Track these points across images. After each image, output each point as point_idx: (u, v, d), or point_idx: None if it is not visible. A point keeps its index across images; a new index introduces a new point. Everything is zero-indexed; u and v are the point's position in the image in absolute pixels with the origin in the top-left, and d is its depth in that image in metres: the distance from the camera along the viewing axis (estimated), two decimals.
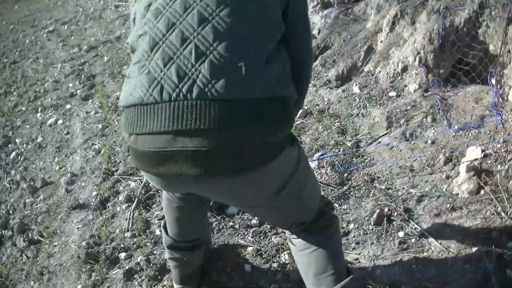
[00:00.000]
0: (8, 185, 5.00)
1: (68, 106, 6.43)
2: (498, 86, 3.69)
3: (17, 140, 6.00)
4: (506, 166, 3.15)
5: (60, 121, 6.07)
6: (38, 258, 3.80)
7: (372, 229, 3.18)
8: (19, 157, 5.57)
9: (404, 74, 4.38)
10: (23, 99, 7.27)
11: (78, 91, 6.78)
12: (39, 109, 6.68)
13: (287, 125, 1.90)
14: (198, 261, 2.87)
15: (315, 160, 3.91)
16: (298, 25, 2.02)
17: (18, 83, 8.04)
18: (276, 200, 2.04)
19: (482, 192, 3.09)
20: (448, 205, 3.11)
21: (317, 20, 5.85)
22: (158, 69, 1.80)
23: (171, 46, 1.81)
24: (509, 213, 2.84)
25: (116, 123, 5.39)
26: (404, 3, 4.67)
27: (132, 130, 1.85)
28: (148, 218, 3.74)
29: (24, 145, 5.82)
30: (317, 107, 4.55)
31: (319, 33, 5.70)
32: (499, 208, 2.89)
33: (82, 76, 7.30)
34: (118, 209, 3.99)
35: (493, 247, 2.70)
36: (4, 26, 12.46)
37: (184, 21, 1.81)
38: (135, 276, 3.26)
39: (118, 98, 5.91)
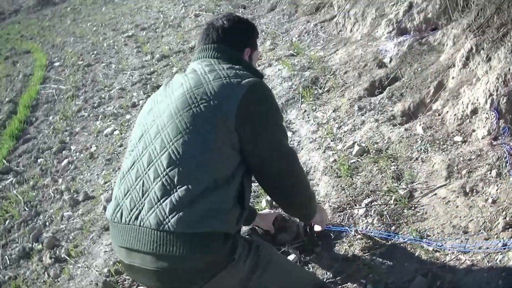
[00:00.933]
0: (52, 194, 5.18)
1: (127, 116, 6.40)
2: None
3: (72, 147, 6.10)
4: None
5: (116, 132, 6.08)
6: (59, 279, 3.87)
7: None
8: (70, 165, 5.66)
9: (473, 117, 3.93)
10: (87, 105, 7.39)
11: (140, 102, 6.76)
12: (100, 116, 6.74)
13: (209, 255, 2.17)
14: None
15: (362, 207, 3.54)
16: (263, 162, 2.39)
17: (87, 87, 8.22)
18: None
19: None
20: (501, 282, 2.67)
21: (390, 47, 5.45)
22: (120, 197, 2.34)
23: (130, 180, 2.32)
24: None
25: None
26: (481, 37, 4.21)
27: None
28: None
29: (77, 154, 5.92)
30: (375, 146, 4.18)
31: (390, 61, 5.31)
32: None
33: (148, 86, 7.29)
34: None
35: None
36: (88, 28, 12.81)
37: (141, 163, 2.32)
38: None
39: None
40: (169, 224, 2.12)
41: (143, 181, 2.25)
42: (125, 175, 2.37)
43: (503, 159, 3.45)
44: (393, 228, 3.35)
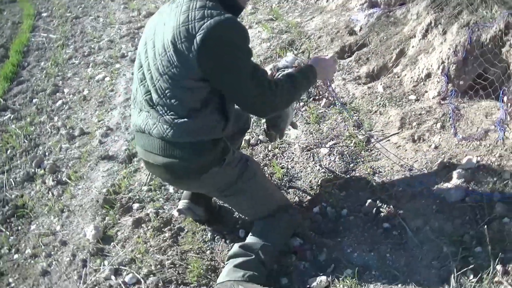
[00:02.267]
0: (49, 130, 5.48)
1: (117, 66, 6.83)
2: (508, 104, 3.87)
3: (65, 90, 6.46)
4: (495, 179, 3.36)
5: (107, 78, 6.49)
6: (62, 197, 4.25)
7: (361, 216, 3.44)
8: (64, 105, 6.03)
9: (427, 80, 4.58)
10: (77, 53, 7.74)
11: (129, 53, 7.17)
12: (91, 64, 7.12)
13: (200, 158, 2.87)
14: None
15: (327, 148, 4.17)
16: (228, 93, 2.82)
17: (76, 38, 8.51)
18: (224, 197, 3.27)
19: (467, 199, 3.30)
20: (435, 207, 3.34)
21: (361, 18, 6.07)
22: (135, 113, 3.06)
23: (138, 104, 3.05)
24: (485, 221, 3.05)
25: None
26: (440, 13, 4.85)
27: None
28: None
29: (71, 96, 6.28)
30: (341, 99, 4.79)
31: (360, 30, 5.92)
32: (478, 216, 3.10)
33: (136, 39, 7.70)
34: (142, 165, 4.34)
35: (460, 249, 2.93)
36: None
37: (141, 92, 2.96)
38: (142, 225, 3.66)
39: None
40: (168, 136, 2.79)
41: (145, 105, 2.90)
42: (135, 98, 3.04)
43: (448, 115, 4.11)
44: (351, 165, 3.99)
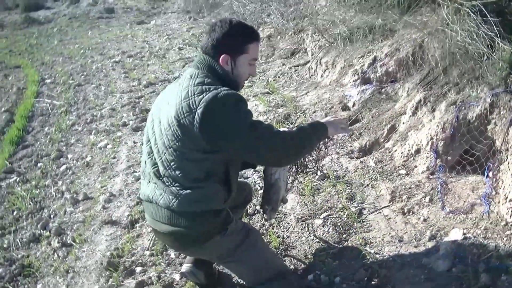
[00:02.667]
0: (54, 193, 5.71)
1: (119, 134, 7.08)
2: (494, 179, 4.09)
3: (69, 156, 6.70)
4: (480, 250, 3.54)
5: (109, 146, 6.74)
6: (67, 259, 4.44)
7: (353, 284, 3.60)
8: (68, 171, 6.25)
9: (416, 155, 4.81)
10: (80, 120, 8.02)
11: (130, 122, 7.44)
12: (93, 131, 7.39)
13: (202, 227, 3.07)
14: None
15: (321, 219, 4.36)
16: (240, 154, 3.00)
17: (79, 105, 8.83)
18: (225, 263, 3.45)
19: (453, 269, 3.48)
20: (423, 276, 3.51)
21: (354, 93, 6.36)
22: (144, 184, 3.27)
23: (146, 175, 3.26)
24: None
25: None
26: (429, 91, 5.13)
27: None
28: None
29: (74, 161, 6.51)
30: (334, 173, 5.01)
31: (353, 105, 6.20)
32: (464, 286, 3.26)
33: (137, 108, 7.98)
34: (144, 230, 4.59)
35: None
36: (76, 50, 13.40)
37: (149, 164, 3.20)
38: None
39: None
40: (173, 206, 2.99)
41: (153, 176, 3.11)
42: (144, 170, 3.25)
43: (436, 189, 4.33)
44: (344, 236, 4.16)
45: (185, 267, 3.70)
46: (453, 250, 3.62)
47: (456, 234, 3.78)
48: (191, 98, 2.83)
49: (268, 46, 9.86)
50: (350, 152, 5.38)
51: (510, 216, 3.82)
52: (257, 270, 3.38)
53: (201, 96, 2.81)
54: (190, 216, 3.01)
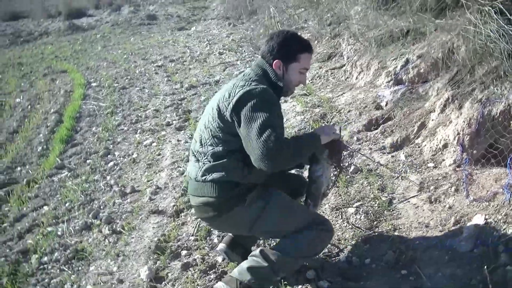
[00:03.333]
0: (103, 187, 6.12)
1: (163, 133, 7.51)
2: None
3: (116, 153, 7.15)
4: (500, 233, 3.85)
5: (154, 144, 7.16)
6: (117, 244, 4.83)
7: (382, 265, 3.93)
8: (116, 166, 6.69)
9: (444, 150, 5.12)
10: (126, 121, 8.48)
11: (174, 122, 7.86)
12: (138, 131, 7.83)
13: (222, 195, 3.44)
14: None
15: (354, 207, 4.69)
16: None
17: (124, 106, 9.29)
18: (257, 233, 3.79)
19: (475, 250, 3.79)
20: (447, 257, 3.83)
21: (387, 94, 6.68)
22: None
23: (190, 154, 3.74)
24: (490, 268, 3.51)
25: None
26: (457, 90, 5.43)
27: None
28: (211, 229, 4.71)
29: (121, 158, 6.95)
30: (367, 167, 5.34)
31: (386, 105, 6.52)
32: (484, 264, 3.56)
33: (180, 109, 8.40)
34: (189, 219, 4.99)
35: None
36: (119, 55, 13.88)
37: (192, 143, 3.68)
38: (190, 269, 4.21)
39: None
40: (198, 177, 3.48)
41: (192, 154, 3.63)
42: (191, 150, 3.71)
43: (462, 180, 4.63)
44: (375, 223, 4.49)
45: (220, 246, 4.13)
46: (475, 233, 3.93)
47: (478, 219, 4.09)
48: (234, 88, 3.31)
49: None
50: (382, 147, 5.70)
51: None
52: (283, 227, 3.59)
53: (242, 88, 3.28)
54: (210, 185, 3.43)
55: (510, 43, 4.94)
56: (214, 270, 4.17)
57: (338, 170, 4.01)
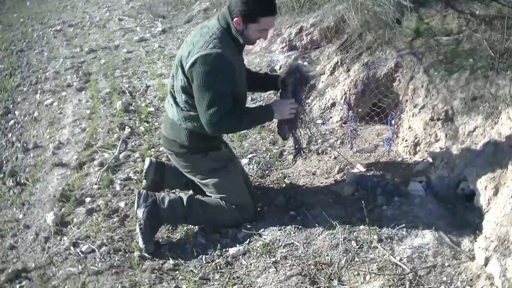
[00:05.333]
0: (4, 144, 6.08)
1: (64, 93, 7.46)
2: (395, 126, 4.79)
3: (16, 112, 7.07)
4: (379, 179, 4.25)
5: (55, 103, 7.13)
6: (22, 195, 4.91)
7: (273, 207, 4.24)
8: (17, 125, 6.64)
9: (332, 108, 5.50)
10: (25, 82, 8.33)
11: (74, 83, 7.81)
12: (39, 91, 7.74)
13: (183, 141, 3.82)
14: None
15: (247, 158, 4.98)
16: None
17: (23, 68, 9.09)
18: (201, 181, 4.01)
19: (356, 193, 4.17)
20: (331, 200, 4.19)
21: (281, 58, 7.01)
22: None
23: None
24: (368, 208, 3.88)
25: (102, 111, 6.49)
26: (345, 55, 5.82)
27: None
28: (113, 178, 4.90)
29: (22, 117, 6.89)
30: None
31: (280, 68, 6.83)
32: (363, 204, 3.91)
33: (80, 72, 8.35)
34: (92, 170, 5.12)
35: (347, 226, 3.77)
36: (15, 19, 13.42)
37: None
38: (94, 214, 4.39)
39: (107, 93, 7.10)
40: (175, 118, 3.78)
41: (169, 93, 3.87)
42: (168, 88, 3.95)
43: (347, 134, 5.01)
44: (266, 172, 4.80)
45: (151, 159, 4.43)
46: (357, 179, 4.31)
47: (360, 167, 4.49)
48: (194, 47, 3.47)
49: (204, 18, 10.29)
50: None
51: (406, 153, 4.57)
52: (221, 193, 4.00)
53: (200, 50, 3.42)
54: (184, 131, 3.77)
55: (397, 11, 5.37)
56: (117, 214, 4.37)
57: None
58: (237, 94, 3.61)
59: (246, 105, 4.03)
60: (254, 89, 4.32)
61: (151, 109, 6.48)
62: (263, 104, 4.27)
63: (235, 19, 3.45)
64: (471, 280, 3.18)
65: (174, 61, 3.73)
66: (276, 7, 3.51)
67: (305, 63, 4.25)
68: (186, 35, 9.02)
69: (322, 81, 5.92)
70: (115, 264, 3.75)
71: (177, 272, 3.68)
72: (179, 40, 9.40)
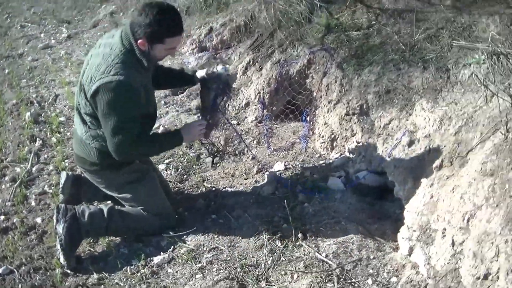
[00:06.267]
0: None
1: None
2: (311, 122, 4.80)
3: None
4: (298, 177, 4.24)
5: None
6: None
7: (194, 212, 4.15)
8: None
9: (246, 108, 5.46)
10: None
11: None
12: None
13: (92, 159, 3.66)
14: None
15: (164, 164, 4.86)
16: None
17: None
18: (119, 195, 3.88)
19: (276, 192, 4.14)
20: (251, 200, 4.14)
21: (192, 60, 6.90)
22: None
23: None
24: (290, 206, 3.86)
25: (10, 123, 6.18)
26: (257, 53, 5.80)
27: None
28: (28, 194, 4.65)
29: None
30: (174, 127, 5.52)
31: (190, 66, 6.74)
32: (285, 203, 3.89)
33: None
34: (3, 187, 4.82)
35: (271, 226, 3.74)
36: None
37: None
38: (9, 232, 4.15)
39: (14, 104, 6.75)
40: (83, 136, 3.63)
41: (76, 109, 3.66)
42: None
43: (263, 134, 4.99)
44: (185, 176, 4.70)
45: (67, 173, 4.22)
46: (276, 178, 4.29)
47: (278, 166, 4.47)
48: (96, 71, 3.30)
49: (110, 22, 10.08)
50: (188, 110, 5.92)
51: (323, 149, 4.59)
52: (144, 206, 3.89)
53: (101, 75, 3.26)
54: (94, 150, 3.61)
55: (307, 6, 5.39)
56: (34, 230, 4.12)
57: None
58: (145, 114, 3.51)
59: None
60: (170, 86, 4.46)
61: (62, 118, 6.21)
62: (172, 130, 4.16)
63: (140, 40, 3.29)
64: (396, 270, 3.22)
65: (79, 78, 3.57)
66: (182, 25, 3.38)
67: (227, 66, 4.18)
68: (93, 41, 8.90)
69: (235, 82, 5.86)
70: (36, 283, 3.55)
71: (102, 286, 3.53)
72: (86, 46, 9.14)
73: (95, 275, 3.59)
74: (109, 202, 4.15)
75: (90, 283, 3.54)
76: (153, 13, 3.19)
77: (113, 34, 3.50)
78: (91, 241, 3.97)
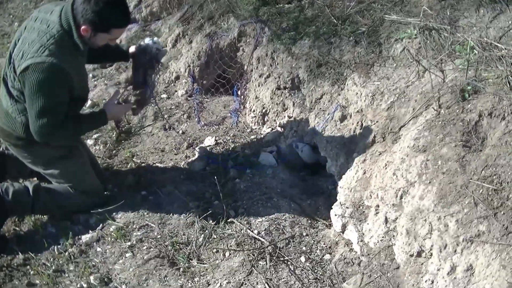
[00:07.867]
0: None
1: None
2: (242, 96, 4.75)
3: None
4: (229, 152, 4.20)
5: None
6: None
7: (124, 188, 4.06)
8: None
9: (176, 82, 5.36)
10: None
11: None
12: None
13: (19, 133, 3.47)
14: None
15: (92, 139, 4.73)
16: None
17: None
18: (46, 171, 3.72)
19: (207, 168, 4.10)
20: (182, 176, 4.08)
21: None
22: None
23: None
24: (221, 183, 3.81)
25: None
26: (187, 26, 5.68)
27: None
28: None
29: None
30: (103, 101, 5.37)
31: (120, 42, 6.55)
32: (216, 179, 3.83)
33: None
34: None
35: (201, 203, 3.69)
36: None
37: None
38: None
39: None
40: (9, 109, 3.44)
41: (2, 81, 3.50)
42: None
43: (193, 108, 4.90)
44: (114, 152, 4.59)
45: None
46: (206, 153, 4.24)
47: (209, 141, 4.42)
48: (29, 48, 3.16)
49: None
50: (118, 83, 5.75)
51: (254, 124, 4.56)
52: (71, 183, 3.75)
53: (33, 54, 3.13)
54: (20, 124, 3.42)
55: None
56: None
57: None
58: (75, 98, 3.43)
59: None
60: (104, 61, 4.55)
61: None
62: (96, 111, 4.01)
63: (83, 27, 3.15)
64: (330, 247, 3.24)
65: (9, 48, 3.40)
66: (130, 16, 3.40)
67: (155, 38, 4.04)
68: (18, 11, 8.56)
69: (166, 56, 5.75)
70: None
71: (28, 267, 3.43)
72: (12, 17, 8.76)
73: (20, 256, 3.49)
74: (35, 179, 3.99)
75: (15, 264, 3.45)
76: (104, 2, 3.09)
77: (51, 10, 3.30)
78: (17, 219, 3.83)
